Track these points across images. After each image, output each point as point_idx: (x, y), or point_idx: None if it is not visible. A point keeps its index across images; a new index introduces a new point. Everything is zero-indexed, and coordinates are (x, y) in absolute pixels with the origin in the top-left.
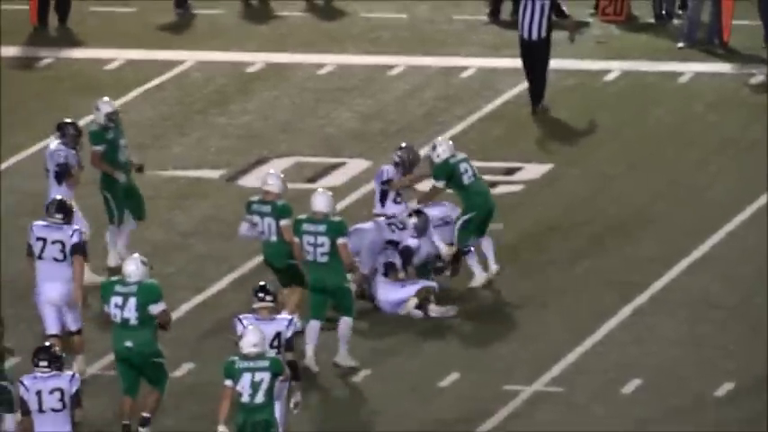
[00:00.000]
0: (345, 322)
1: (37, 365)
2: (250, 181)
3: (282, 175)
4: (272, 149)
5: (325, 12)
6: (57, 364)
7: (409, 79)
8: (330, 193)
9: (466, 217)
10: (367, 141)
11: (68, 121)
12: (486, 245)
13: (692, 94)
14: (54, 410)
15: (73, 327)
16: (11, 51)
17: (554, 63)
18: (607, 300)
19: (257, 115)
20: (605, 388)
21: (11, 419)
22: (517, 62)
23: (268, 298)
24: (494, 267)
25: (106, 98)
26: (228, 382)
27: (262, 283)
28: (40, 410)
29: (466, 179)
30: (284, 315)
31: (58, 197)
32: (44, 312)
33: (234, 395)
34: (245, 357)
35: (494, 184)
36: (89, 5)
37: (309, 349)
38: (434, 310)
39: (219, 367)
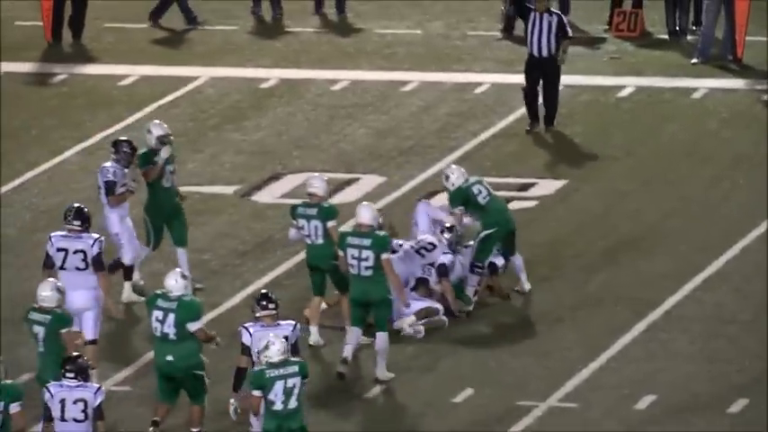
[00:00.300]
0: (381, 337)
1: (64, 375)
2: (264, 197)
3: (326, 178)
4: (286, 165)
5: (339, 28)
6: (83, 375)
7: (423, 95)
8: (375, 206)
9: (485, 233)
10: (381, 157)
11: (123, 138)
12: (519, 264)
13: (706, 111)
14: (76, 420)
15: (89, 336)
16: (25, 67)
17: (567, 79)
18: (621, 316)
19: (271, 131)
20: (619, 404)
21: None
22: None
23: (271, 306)
24: (526, 286)
25: (157, 120)
26: (258, 393)
27: (264, 291)
28: (62, 419)
29: (481, 200)
30: (288, 321)
31: (76, 205)
32: None
33: (258, 404)
34: (274, 366)
35: (508, 200)
36: (103, 21)
37: (348, 350)
38: (407, 325)
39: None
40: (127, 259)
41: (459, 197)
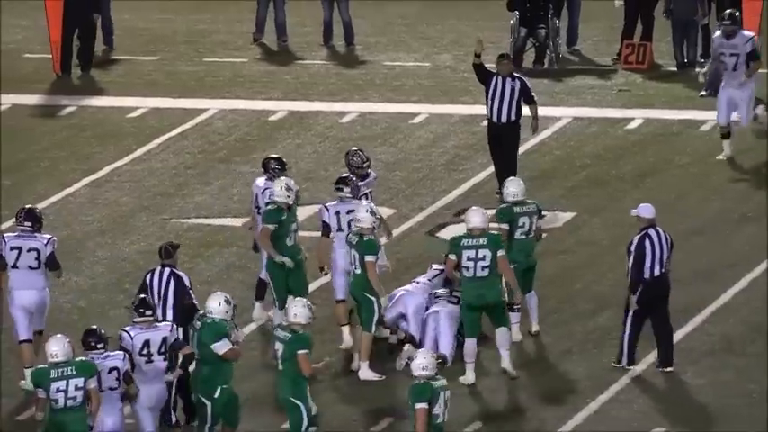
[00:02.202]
0: (503, 333)
1: (90, 347)
2: None
3: (374, 210)
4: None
5: (348, 60)
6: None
7: (432, 127)
8: (484, 210)
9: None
10: (390, 189)
11: (272, 156)
12: (533, 303)
13: (714, 143)
14: (110, 389)
15: (38, 326)
16: (34, 100)
17: (576, 111)
18: None
19: None
20: None
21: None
22: (540, 110)
23: (148, 312)
24: (535, 327)
25: (286, 178)
26: (425, 405)
27: (142, 296)
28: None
29: (518, 233)
30: (165, 322)
31: (28, 206)
32: (17, 318)
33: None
34: (432, 378)
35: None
36: (111, 54)
37: (470, 370)
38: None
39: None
40: (262, 274)
41: (506, 216)
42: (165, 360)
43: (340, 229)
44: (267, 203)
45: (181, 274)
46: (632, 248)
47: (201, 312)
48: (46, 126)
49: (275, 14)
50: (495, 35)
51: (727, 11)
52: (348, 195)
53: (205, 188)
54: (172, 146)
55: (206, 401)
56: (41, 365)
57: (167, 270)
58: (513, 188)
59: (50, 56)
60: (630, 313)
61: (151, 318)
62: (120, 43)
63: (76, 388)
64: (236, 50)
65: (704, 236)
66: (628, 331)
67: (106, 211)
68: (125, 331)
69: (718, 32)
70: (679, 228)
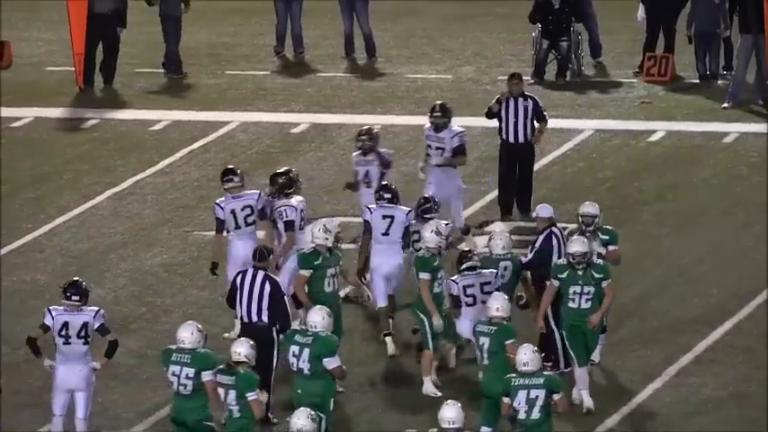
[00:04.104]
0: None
1: (66, 297)
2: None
3: (441, 230)
4: (317, 210)
5: (370, 72)
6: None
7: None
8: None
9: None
10: (412, 201)
11: (279, 171)
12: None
13: (737, 155)
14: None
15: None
16: (57, 113)
17: (598, 123)
18: (652, 360)
19: (302, 176)
20: None
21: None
22: (562, 123)
23: (74, 297)
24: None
25: (333, 220)
26: (507, 399)
27: (74, 279)
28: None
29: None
30: (92, 307)
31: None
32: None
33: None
34: (522, 375)
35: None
36: (134, 67)
37: (585, 395)
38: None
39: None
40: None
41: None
42: (85, 344)
43: (386, 234)
44: (302, 252)
45: (276, 278)
46: (537, 245)
47: (301, 327)
48: (69, 139)
49: (291, 26)
50: (517, 48)
51: (438, 102)
52: (388, 203)
53: None
54: (194, 158)
55: (321, 414)
56: (171, 346)
57: (261, 273)
58: (502, 241)
59: (73, 69)
60: (552, 320)
61: (78, 303)
62: (142, 56)
63: (187, 377)
64: (258, 63)
65: (727, 248)
66: (557, 336)
67: (128, 224)
68: (49, 310)
69: (428, 124)
70: (702, 239)
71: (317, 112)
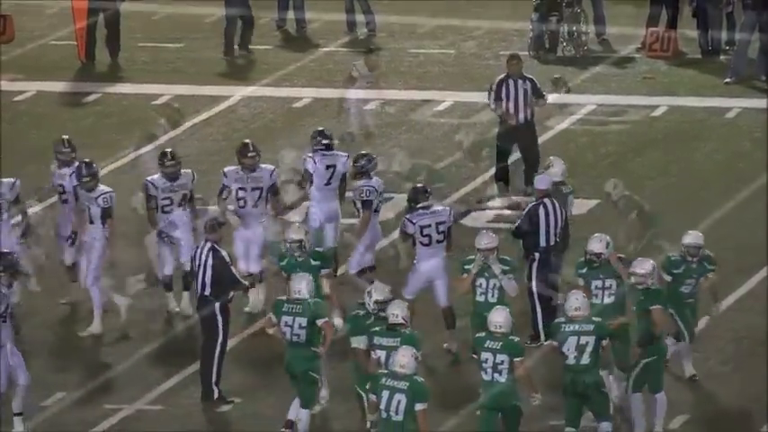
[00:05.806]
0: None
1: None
2: (296, 217)
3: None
4: None
5: (372, 47)
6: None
7: (457, 114)
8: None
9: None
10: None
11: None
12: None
13: (739, 130)
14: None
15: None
16: (59, 87)
17: (601, 98)
18: None
19: (304, 150)
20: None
21: None
22: (566, 98)
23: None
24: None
25: (387, 286)
26: (555, 343)
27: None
28: None
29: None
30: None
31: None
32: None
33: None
34: (572, 320)
35: None
36: (137, 41)
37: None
38: None
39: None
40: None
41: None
42: None
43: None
44: (350, 314)
45: (221, 250)
46: (525, 214)
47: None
48: (71, 113)
49: (293, 0)
50: (519, 24)
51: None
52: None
53: None
54: (196, 132)
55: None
56: (281, 297)
57: (208, 245)
58: (558, 168)
59: (75, 43)
60: (536, 293)
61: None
62: (144, 30)
63: (300, 327)
64: (260, 37)
65: (729, 223)
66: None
67: (130, 198)
68: None
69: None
70: (704, 214)
71: (320, 86)
